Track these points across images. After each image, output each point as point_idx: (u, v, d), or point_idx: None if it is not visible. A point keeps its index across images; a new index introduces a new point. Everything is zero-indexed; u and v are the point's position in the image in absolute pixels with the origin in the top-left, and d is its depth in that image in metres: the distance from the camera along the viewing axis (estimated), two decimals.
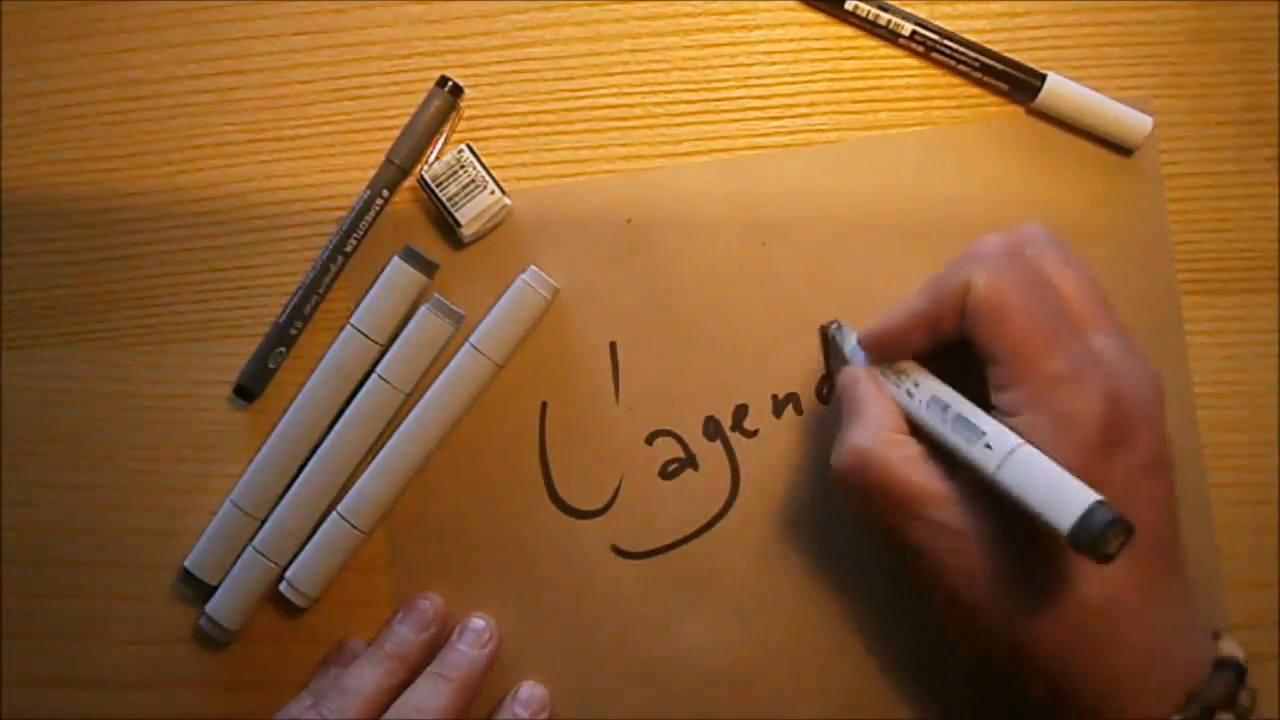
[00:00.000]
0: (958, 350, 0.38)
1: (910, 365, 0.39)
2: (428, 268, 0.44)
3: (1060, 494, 0.33)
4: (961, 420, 0.36)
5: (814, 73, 0.45)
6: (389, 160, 0.45)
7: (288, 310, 0.45)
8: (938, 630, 0.43)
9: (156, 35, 0.46)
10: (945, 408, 0.37)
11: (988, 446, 0.35)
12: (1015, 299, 0.36)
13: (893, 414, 0.39)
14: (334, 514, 0.44)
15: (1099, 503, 0.32)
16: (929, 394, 0.38)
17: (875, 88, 0.45)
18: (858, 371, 0.40)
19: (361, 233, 0.45)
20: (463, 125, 0.46)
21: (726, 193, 0.45)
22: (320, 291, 0.45)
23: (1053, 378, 0.35)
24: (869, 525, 0.39)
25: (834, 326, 0.44)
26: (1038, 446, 0.34)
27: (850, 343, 0.42)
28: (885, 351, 0.40)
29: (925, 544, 0.37)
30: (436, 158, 0.45)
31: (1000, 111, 0.45)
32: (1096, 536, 0.31)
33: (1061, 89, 0.44)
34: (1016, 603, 0.35)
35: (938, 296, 0.38)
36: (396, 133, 0.45)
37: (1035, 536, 0.35)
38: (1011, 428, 0.35)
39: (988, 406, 0.37)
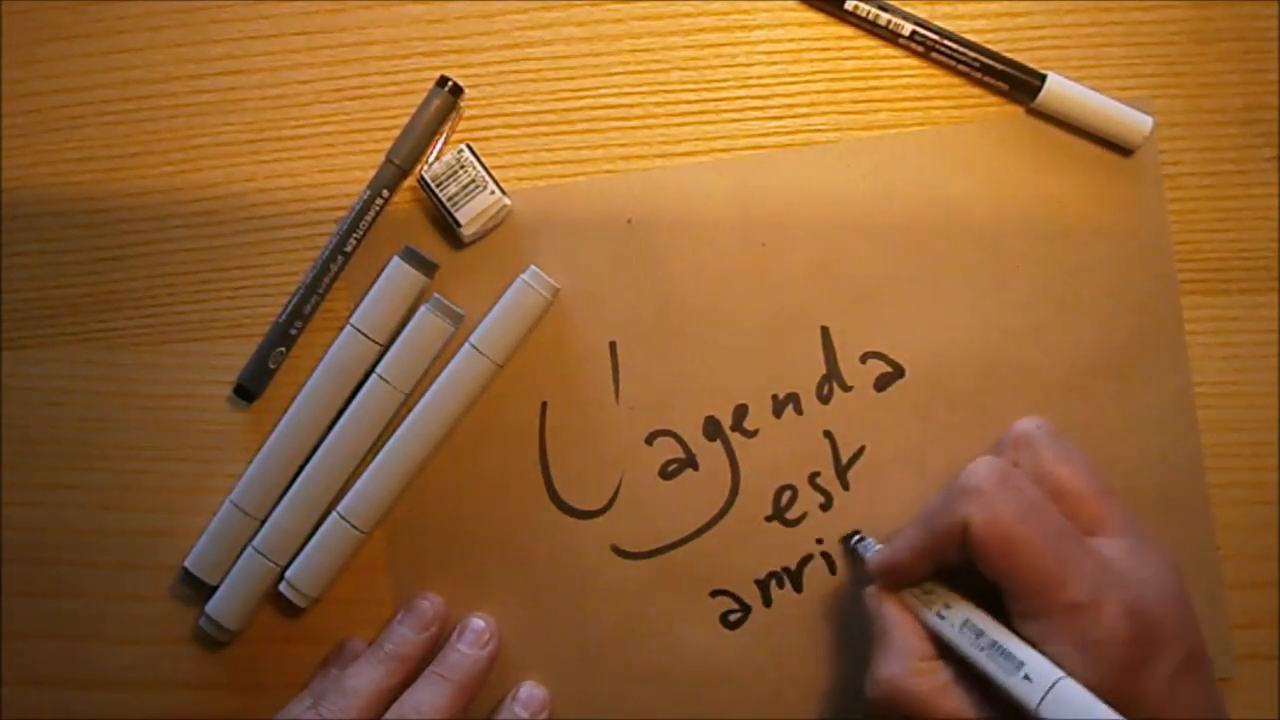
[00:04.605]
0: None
1: (938, 586, 0.38)
2: (428, 268, 0.44)
3: None
4: (997, 648, 0.36)
5: (814, 73, 0.45)
6: (389, 160, 0.45)
7: (288, 310, 0.45)
8: None
9: (156, 35, 0.46)
10: (979, 633, 0.36)
11: (1026, 678, 0.34)
12: (1016, 532, 0.35)
13: (920, 639, 0.38)
14: (334, 514, 0.44)
15: None
16: (961, 618, 0.37)
17: (875, 88, 0.45)
18: (881, 592, 0.39)
19: (361, 233, 0.45)
20: (463, 125, 0.46)
21: (726, 193, 0.45)
22: (320, 291, 0.45)
23: (1071, 606, 0.34)
24: None
25: (855, 538, 0.43)
26: (1072, 674, 0.34)
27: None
28: (894, 581, 0.39)
29: None
30: (436, 158, 0.45)
31: (1000, 111, 0.45)
32: None
33: (1061, 89, 0.44)
34: None
35: (935, 532, 0.37)
36: (396, 133, 0.45)
37: None
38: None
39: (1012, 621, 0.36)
